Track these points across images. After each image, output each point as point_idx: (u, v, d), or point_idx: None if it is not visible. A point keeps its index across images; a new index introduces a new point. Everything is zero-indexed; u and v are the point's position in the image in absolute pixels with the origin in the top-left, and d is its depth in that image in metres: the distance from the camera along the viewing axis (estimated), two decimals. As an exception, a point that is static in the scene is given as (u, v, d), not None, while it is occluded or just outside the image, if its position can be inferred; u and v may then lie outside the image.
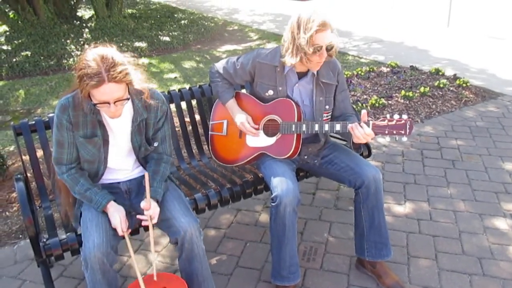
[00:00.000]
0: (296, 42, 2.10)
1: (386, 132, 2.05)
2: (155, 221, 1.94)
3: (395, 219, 2.85)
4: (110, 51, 1.79)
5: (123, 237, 1.93)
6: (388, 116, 2.06)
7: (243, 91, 2.67)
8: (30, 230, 1.99)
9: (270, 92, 2.32)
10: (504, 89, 5.08)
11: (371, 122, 2.06)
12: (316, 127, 2.21)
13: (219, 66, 2.45)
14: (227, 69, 2.41)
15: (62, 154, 1.95)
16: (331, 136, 2.63)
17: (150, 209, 1.92)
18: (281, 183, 2.14)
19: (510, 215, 2.86)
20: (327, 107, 2.33)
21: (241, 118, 2.36)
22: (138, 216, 1.96)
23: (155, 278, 1.91)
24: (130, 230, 1.99)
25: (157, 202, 1.98)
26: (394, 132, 2.04)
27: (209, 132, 2.58)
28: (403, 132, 2.03)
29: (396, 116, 2.04)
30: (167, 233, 2.01)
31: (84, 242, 1.84)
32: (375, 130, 2.06)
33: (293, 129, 2.25)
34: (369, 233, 2.29)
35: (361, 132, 2.05)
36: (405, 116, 2.03)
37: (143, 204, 1.92)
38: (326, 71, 2.29)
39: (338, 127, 2.16)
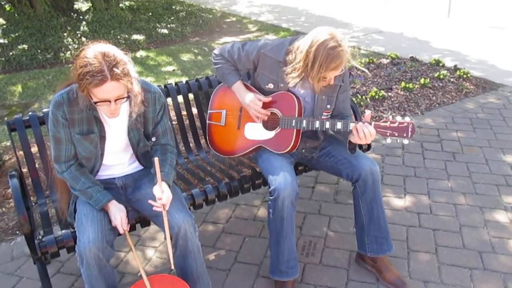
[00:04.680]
0: (306, 72, 2.05)
1: (388, 134, 2.03)
2: (167, 207, 1.88)
3: (394, 213, 2.83)
4: (111, 48, 1.75)
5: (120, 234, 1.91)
6: (390, 117, 2.03)
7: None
8: (25, 227, 1.96)
9: (270, 86, 2.27)
10: (504, 80, 5.03)
11: (373, 123, 2.03)
12: (317, 124, 2.16)
13: (224, 49, 2.34)
14: (232, 54, 2.31)
15: (60, 151, 1.92)
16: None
17: (163, 197, 1.84)
18: (279, 176, 2.12)
19: (511, 208, 2.84)
20: (328, 106, 2.27)
21: (250, 97, 2.27)
22: (150, 201, 1.88)
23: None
24: (129, 226, 1.98)
25: (169, 186, 1.92)
26: (396, 134, 2.01)
27: (207, 121, 2.53)
28: (404, 135, 2.01)
29: (398, 118, 2.01)
30: (162, 229, 1.98)
31: (79, 237, 1.81)
32: (377, 131, 2.03)
33: (293, 124, 2.21)
34: (368, 227, 2.27)
35: (365, 131, 2.02)
36: (407, 119, 2.00)
37: (155, 191, 1.85)
38: None
39: (339, 125, 2.12)
